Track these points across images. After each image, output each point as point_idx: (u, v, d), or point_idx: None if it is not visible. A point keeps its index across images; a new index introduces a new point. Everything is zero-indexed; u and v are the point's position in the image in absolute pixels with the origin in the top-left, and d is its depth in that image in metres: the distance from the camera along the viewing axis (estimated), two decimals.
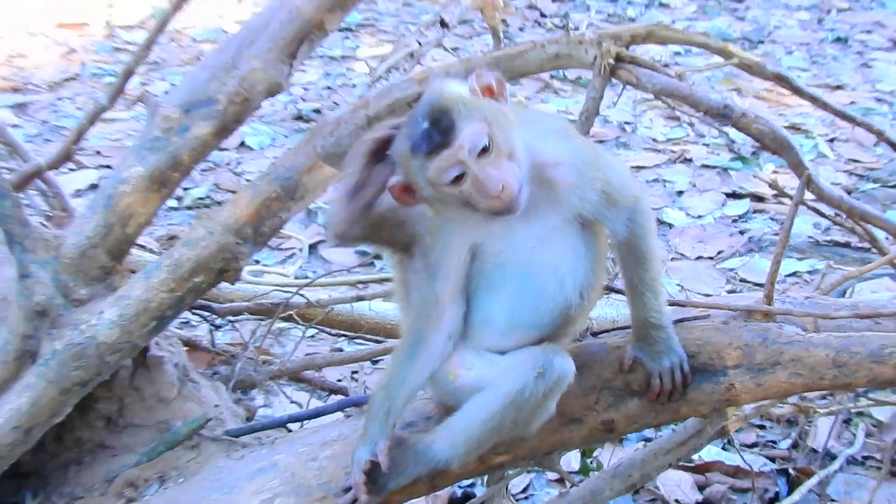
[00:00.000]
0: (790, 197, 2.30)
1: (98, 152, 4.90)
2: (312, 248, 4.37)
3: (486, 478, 2.49)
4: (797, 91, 2.37)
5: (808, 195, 2.27)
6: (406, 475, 2.08)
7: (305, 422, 2.52)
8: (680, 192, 4.84)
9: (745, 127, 2.20)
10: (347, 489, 2.09)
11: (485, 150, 1.86)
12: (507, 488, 2.49)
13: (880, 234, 2.62)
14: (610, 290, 2.47)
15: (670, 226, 4.56)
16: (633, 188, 2.06)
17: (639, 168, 5.02)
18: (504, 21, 2.78)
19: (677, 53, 5.57)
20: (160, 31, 2.50)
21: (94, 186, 4.68)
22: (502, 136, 1.89)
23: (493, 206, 1.89)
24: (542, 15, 6.79)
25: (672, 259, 4.31)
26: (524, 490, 3.13)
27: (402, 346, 2.10)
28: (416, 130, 1.87)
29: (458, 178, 1.86)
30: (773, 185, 2.48)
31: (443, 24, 2.70)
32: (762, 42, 6.51)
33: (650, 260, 2.08)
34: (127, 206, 2.16)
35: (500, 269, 2.07)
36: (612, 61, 2.23)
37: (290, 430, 2.47)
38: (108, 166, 4.83)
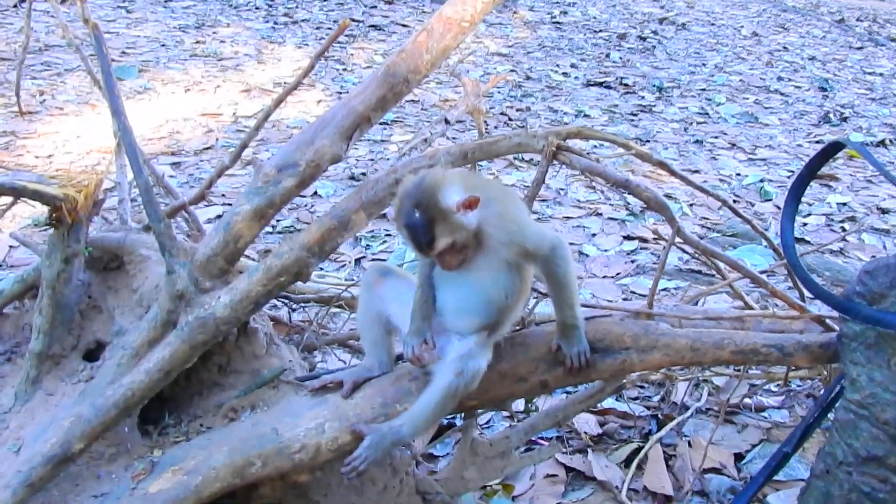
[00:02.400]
0: (665, 240, 2.27)
1: (223, 195, 4.86)
2: (357, 261, 4.33)
3: (462, 415, 2.44)
4: (672, 172, 2.34)
5: (677, 239, 2.24)
6: (381, 447, 2.03)
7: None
8: (594, 234, 4.83)
9: (638, 194, 2.17)
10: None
11: (448, 248, 1.89)
12: (475, 421, 2.44)
13: (722, 265, 2.58)
14: (541, 294, 2.44)
15: (587, 255, 4.54)
16: (549, 242, 2.00)
17: (568, 218, 5.00)
18: (485, 121, 2.74)
19: (595, 146, 5.55)
20: (265, 120, 2.47)
21: (219, 216, 4.65)
22: (461, 240, 1.90)
23: (445, 268, 1.95)
24: (509, 119, 6.77)
25: (588, 277, 4.29)
26: (487, 422, 3.09)
27: (419, 291, 2.10)
28: (410, 234, 1.89)
29: None
30: (655, 233, 2.45)
31: (446, 121, 2.68)
32: (649, 141, 6.51)
33: (567, 285, 2.04)
34: (238, 230, 2.12)
35: (451, 281, 2.06)
36: (554, 149, 2.20)
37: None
38: (228, 204, 4.80)
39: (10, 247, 4.21)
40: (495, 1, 2.15)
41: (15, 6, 8.59)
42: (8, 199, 2.30)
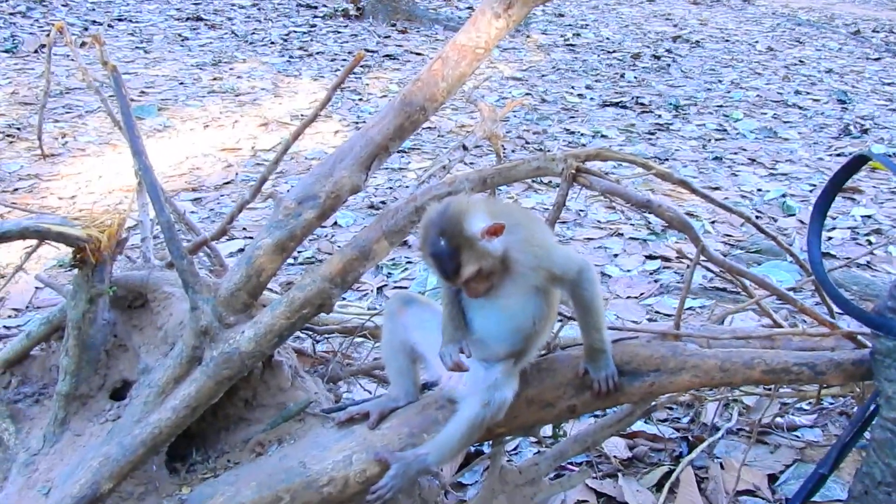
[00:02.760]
0: (689, 259, 2.25)
1: (244, 228, 4.89)
2: (379, 290, 4.33)
3: (490, 442, 2.41)
4: (693, 191, 2.32)
5: (702, 258, 2.22)
6: (406, 476, 2.01)
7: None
8: (615, 255, 4.80)
9: (661, 214, 2.16)
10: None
11: (474, 276, 1.88)
12: (503, 448, 2.42)
13: (748, 283, 2.55)
14: (566, 318, 2.42)
15: (610, 276, 4.51)
16: (576, 265, 1.99)
17: (589, 239, 4.98)
18: (502, 146, 2.74)
19: (614, 167, 5.53)
20: (284, 153, 2.48)
21: (240, 250, 4.67)
22: (486, 267, 1.89)
23: (472, 296, 1.94)
24: (527, 142, 6.78)
25: (612, 298, 4.26)
26: (515, 448, 3.06)
27: (446, 308, 2.08)
28: (436, 263, 1.89)
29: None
30: (679, 252, 2.42)
31: (464, 148, 2.69)
32: (667, 159, 6.48)
33: (594, 309, 2.02)
34: (260, 264, 2.13)
35: (478, 307, 2.05)
36: (574, 172, 2.19)
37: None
38: (250, 237, 4.82)
39: (37, 288, 4.26)
40: (508, 27, 2.15)
41: (36, 51, 8.76)
42: (33, 242, 2.32)
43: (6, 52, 8.72)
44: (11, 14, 10.22)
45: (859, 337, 2.18)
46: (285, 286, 2.98)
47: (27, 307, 4.17)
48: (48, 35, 9.07)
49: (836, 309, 2.39)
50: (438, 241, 1.87)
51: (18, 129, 6.59)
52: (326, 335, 3.01)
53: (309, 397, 2.32)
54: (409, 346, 2.19)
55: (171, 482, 2.15)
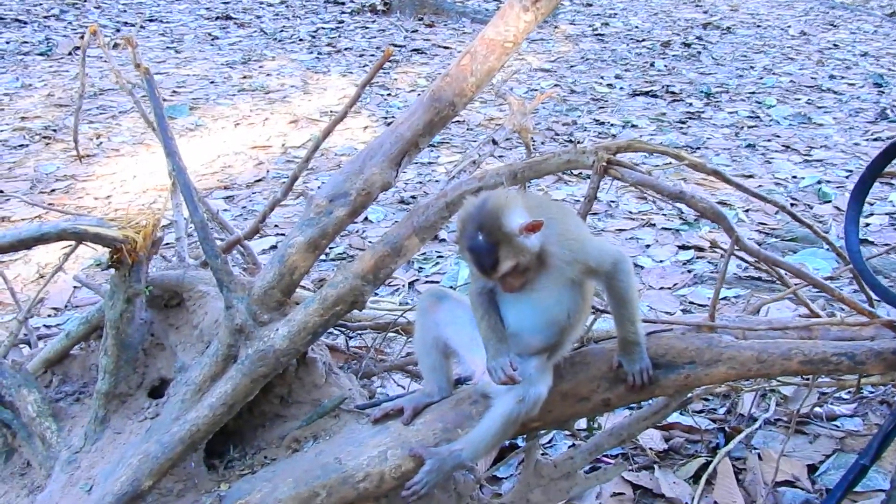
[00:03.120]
0: (724, 250, 2.22)
1: (276, 225, 4.92)
2: (410, 284, 4.34)
3: (524, 436, 2.41)
4: (727, 180, 2.29)
5: (736, 249, 2.19)
6: (441, 472, 2.02)
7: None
8: (648, 246, 4.77)
9: (693, 205, 2.13)
10: None
11: (511, 271, 1.88)
12: (538, 442, 2.41)
13: (784, 273, 2.51)
14: (599, 311, 2.41)
15: (642, 267, 4.48)
16: (611, 257, 1.99)
17: (620, 230, 4.95)
18: (532, 139, 2.73)
19: (645, 157, 5.48)
20: (314, 151, 2.49)
21: (273, 247, 4.71)
22: (524, 262, 1.89)
23: (507, 290, 1.94)
24: (556, 134, 6.75)
25: (642, 289, 4.23)
26: (549, 441, 3.06)
27: (485, 316, 2.05)
28: (474, 257, 1.89)
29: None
30: (712, 243, 2.40)
31: (494, 142, 2.68)
32: (699, 148, 6.41)
33: (629, 301, 2.01)
34: (293, 262, 2.14)
35: (512, 303, 2.04)
36: (605, 164, 2.18)
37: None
38: (282, 234, 4.86)
39: (75, 287, 4.33)
40: (537, 20, 2.14)
41: (70, 53, 8.88)
42: (71, 243, 2.35)
43: (41, 54, 8.85)
44: (45, 17, 10.38)
45: None
46: (318, 283, 3.00)
47: (66, 306, 4.24)
48: (82, 38, 9.21)
49: (874, 297, 2.35)
50: (477, 236, 1.87)
51: (54, 130, 6.70)
52: (359, 331, 3.02)
53: (343, 393, 2.33)
54: (443, 341, 2.19)
55: (210, 479, 2.18)
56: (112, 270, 2.30)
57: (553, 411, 2.13)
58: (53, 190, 5.63)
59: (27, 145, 6.41)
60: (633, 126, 6.98)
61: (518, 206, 1.91)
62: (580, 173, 5.65)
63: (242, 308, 2.12)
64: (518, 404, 1.97)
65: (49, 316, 4.13)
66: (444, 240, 4.82)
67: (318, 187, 5.52)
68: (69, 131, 6.62)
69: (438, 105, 2.16)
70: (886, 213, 5.04)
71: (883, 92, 7.93)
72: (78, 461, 2.23)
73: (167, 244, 2.96)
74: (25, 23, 10.07)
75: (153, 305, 2.52)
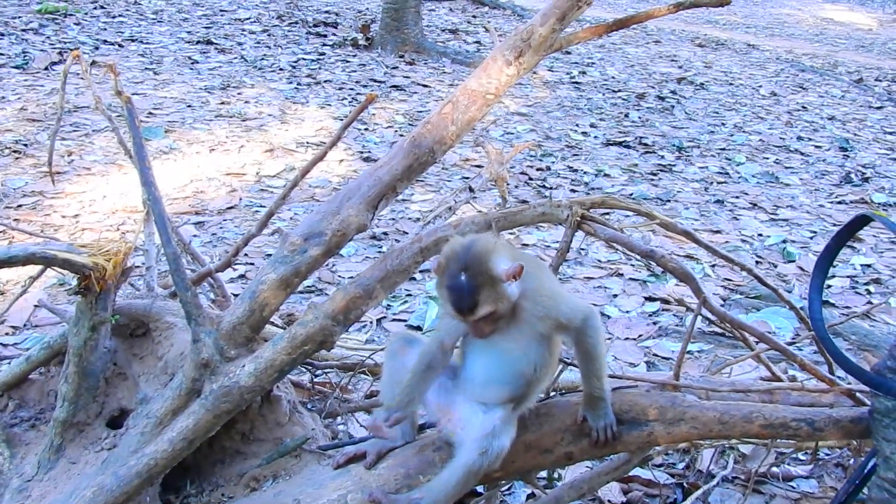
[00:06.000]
0: (691, 310, 2.26)
1: (245, 254, 4.88)
2: (378, 321, 4.33)
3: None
4: (697, 242, 2.35)
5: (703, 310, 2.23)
6: None
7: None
8: (615, 295, 4.81)
9: (664, 264, 2.17)
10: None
11: (486, 316, 1.89)
12: (498, 491, 2.41)
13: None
14: (566, 363, 2.43)
15: (609, 317, 4.51)
16: (581, 313, 2.00)
17: (589, 278, 4.99)
18: (507, 184, 2.77)
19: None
20: (291, 189, 2.49)
21: (241, 276, 4.68)
22: (501, 309, 1.90)
23: (476, 335, 1.95)
24: (530, 178, 6.82)
25: (609, 339, 4.26)
26: (509, 489, 3.04)
27: (416, 367, 2.07)
28: (453, 297, 1.88)
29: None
30: (679, 302, 2.44)
31: (470, 189, 2.71)
32: (669, 201, 6.52)
33: (596, 357, 2.04)
34: (264, 299, 2.14)
35: (478, 347, 2.05)
36: (578, 219, 2.21)
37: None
38: (251, 264, 4.83)
39: (35, 306, 4.25)
40: (519, 74, 2.19)
41: (46, 68, 8.82)
42: (38, 266, 2.33)
43: (17, 67, 8.78)
44: (24, 30, 10.31)
45: (858, 394, 2.19)
46: (286, 317, 2.98)
47: (25, 325, 4.16)
48: (60, 54, 9.15)
49: (835, 364, 2.40)
50: (459, 276, 1.86)
51: (25, 145, 6.62)
52: (325, 370, 3.01)
53: (306, 433, 2.32)
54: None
55: None
56: (78, 296, 2.27)
57: (516, 462, 2.13)
58: (20, 206, 5.55)
59: None
60: (605, 175, 7.08)
61: (504, 253, 1.92)
62: None
63: (210, 342, 2.11)
64: (481, 456, 1.98)
65: (7, 335, 4.05)
66: (413, 278, 4.83)
67: (291, 218, 5.54)
68: (41, 147, 6.55)
69: (418, 151, 2.19)
70: (848, 276, 5.15)
71: (848, 156, 8.14)
72: (29, 490, 2.19)
73: (136, 272, 2.93)
74: (3, 35, 9.99)
75: (118, 334, 2.49)
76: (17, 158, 6.37)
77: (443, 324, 2.06)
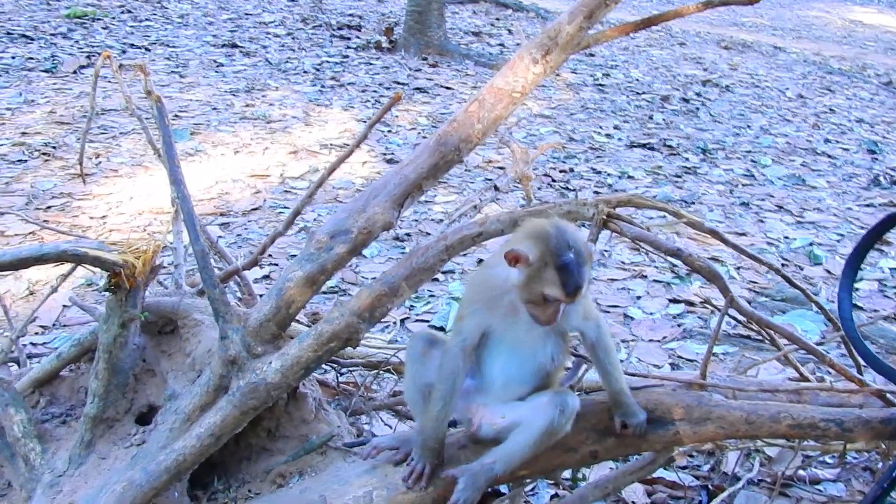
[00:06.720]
0: (718, 309, 2.25)
1: (270, 255, 4.93)
2: (401, 322, 4.34)
3: (509, 484, 2.41)
4: (724, 241, 2.33)
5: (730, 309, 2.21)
6: (476, 487, 2.01)
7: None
8: (639, 297, 4.79)
9: (690, 263, 2.16)
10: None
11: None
12: (522, 490, 2.41)
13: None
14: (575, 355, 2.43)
15: (632, 318, 4.50)
16: (596, 314, 2.07)
17: (612, 280, 4.97)
18: (531, 184, 2.77)
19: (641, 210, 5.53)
20: (318, 188, 2.51)
21: (266, 277, 4.72)
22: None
23: (546, 321, 1.92)
24: (553, 180, 6.81)
25: (633, 341, 4.24)
26: (532, 489, 3.04)
27: (445, 391, 2.05)
28: (569, 275, 1.85)
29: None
30: (706, 301, 2.42)
31: (496, 188, 2.71)
32: (694, 203, 6.48)
33: (613, 351, 2.06)
34: (290, 296, 2.15)
35: (498, 346, 2.05)
36: (604, 217, 2.21)
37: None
38: (275, 264, 4.87)
39: (64, 306, 4.31)
40: (545, 73, 2.19)
41: (75, 72, 8.93)
42: (68, 264, 2.36)
43: (46, 71, 8.90)
44: (52, 35, 10.45)
45: (888, 395, 2.17)
46: (311, 316, 3.00)
47: (54, 325, 4.22)
48: (89, 57, 9.27)
49: (863, 364, 2.38)
50: (569, 254, 1.85)
51: (54, 147, 6.71)
52: (350, 368, 3.02)
53: (332, 430, 2.33)
54: None
55: None
56: (108, 294, 2.30)
57: (541, 460, 2.13)
58: (49, 207, 5.63)
59: (26, 161, 6.42)
60: (629, 177, 7.06)
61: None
62: (575, 221, 5.70)
63: (237, 339, 2.13)
64: (560, 414, 1.97)
65: (37, 334, 4.10)
66: (436, 279, 4.84)
67: (315, 220, 5.57)
68: (69, 149, 6.64)
69: (444, 150, 2.19)
70: (876, 280, 5.09)
71: (876, 159, 8.05)
72: (60, 485, 2.22)
73: (164, 270, 2.96)
74: (32, 39, 10.14)
75: (147, 331, 2.52)
76: (46, 161, 6.46)
77: (466, 325, 2.04)
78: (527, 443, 2.00)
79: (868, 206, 6.64)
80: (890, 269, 5.27)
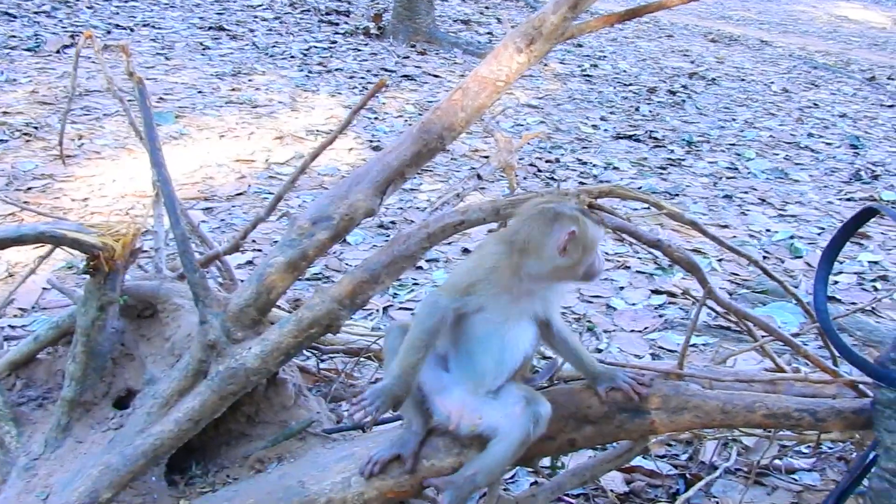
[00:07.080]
0: (696, 300, 2.26)
1: (253, 241, 4.91)
2: (384, 309, 4.34)
3: None
4: (704, 233, 2.35)
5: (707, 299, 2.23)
6: (461, 500, 2.02)
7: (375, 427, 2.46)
8: (621, 287, 4.81)
9: (670, 254, 2.17)
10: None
11: None
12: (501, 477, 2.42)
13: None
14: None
15: (615, 309, 4.52)
16: None
17: None
18: (515, 173, 2.77)
19: (624, 202, 5.55)
20: (301, 173, 2.51)
21: (249, 262, 4.70)
22: None
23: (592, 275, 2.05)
24: (539, 170, 6.82)
25: (614, 331, 4.26)
26: (511, 477, 3.06)
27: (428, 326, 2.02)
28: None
29: None
30: (685, 292, 2.43)
31: (479, 177, 2.71)
32: (678, 195, 6.50)
33: (574, 334, 2.13)
34: (272, 282, 2.15)
35: (488, 336, 2.04)
36: (586, 207, 2.21)
37: (363, 431, 2.42)
38: (258, 250, 4.86)
39: (43, 289, 4.28)
40: (530, 62, 2.18)
41: (58, 52, 8.84)
42: (46, 246, 2.35)
43: (28, 50, 8.80)
44: (36, 13, 10.33)
45: (861, 386, 2.19)
46: (293, 303, 3.00)
47: (33, 307, 4.19)
48: (73, 37, 9.17)
49: (838, 356, 2.40)
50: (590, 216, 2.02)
51: (36, 128, 6.65)
52: (331, 354, 3.02)
53: (311, 417, 2.33)
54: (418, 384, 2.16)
55: (170, 494, 2.16)
56: (87, 277, 2.29)
57: None
58: (30, 188, 5.58)
59: (6, 141, 6.35)
60: (614, 168, 7.07)
61: None
62: None
63: (217, 324, 2.12)
64: (535, 426, 1.99)
65: (15, 316, 4.07)
66: (419, 267, 4.84)
67: (299, 206, 5.55)
68: (51, 130, 6.58)
69: (427, 137, 2.19)
70: (855, 273, 5.14)
71: (858, 154, 8.10)
72: (36, 468, 2.20)
73: (144, 254, 2.94)
74: (15, 17, 10.02)
75: (126, 315, 2.51)
76: (27, 141, 6.40)
77: (463, 288, 2.00)
78: (505, 455, 2.02)
79: (849, 200, 6.69)
80: (869, 262, 5.31)
